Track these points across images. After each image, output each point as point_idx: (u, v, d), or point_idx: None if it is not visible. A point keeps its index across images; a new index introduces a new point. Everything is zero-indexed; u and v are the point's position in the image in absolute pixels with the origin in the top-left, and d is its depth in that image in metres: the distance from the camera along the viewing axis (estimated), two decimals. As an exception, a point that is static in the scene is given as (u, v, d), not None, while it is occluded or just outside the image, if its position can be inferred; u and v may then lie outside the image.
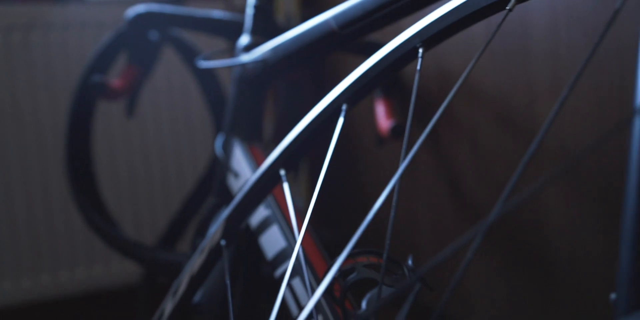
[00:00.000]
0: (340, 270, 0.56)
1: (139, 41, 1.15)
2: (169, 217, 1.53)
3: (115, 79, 1.17)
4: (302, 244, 0.67)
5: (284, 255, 0.67)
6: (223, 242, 0.64)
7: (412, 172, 1.18)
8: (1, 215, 1.47)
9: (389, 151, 1.25)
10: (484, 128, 1.01)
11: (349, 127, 1.36)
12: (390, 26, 0.66)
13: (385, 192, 0.41)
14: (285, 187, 0.60)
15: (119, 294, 1.56)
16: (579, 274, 0.87)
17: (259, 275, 0.79)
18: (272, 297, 0.64)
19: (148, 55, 1.18)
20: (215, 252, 0.65)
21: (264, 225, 0.72)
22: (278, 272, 0.67)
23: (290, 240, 0.67)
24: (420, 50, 0.52)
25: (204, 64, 0.97)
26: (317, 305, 0.58)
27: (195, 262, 0.66)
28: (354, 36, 0.69)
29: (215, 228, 0.65)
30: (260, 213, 0.73)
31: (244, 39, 0.92)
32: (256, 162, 0.83)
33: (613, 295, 0.33)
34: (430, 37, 0.52)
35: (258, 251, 0.72)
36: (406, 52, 0.54)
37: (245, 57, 0.87)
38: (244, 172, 0.83)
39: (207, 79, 1.26)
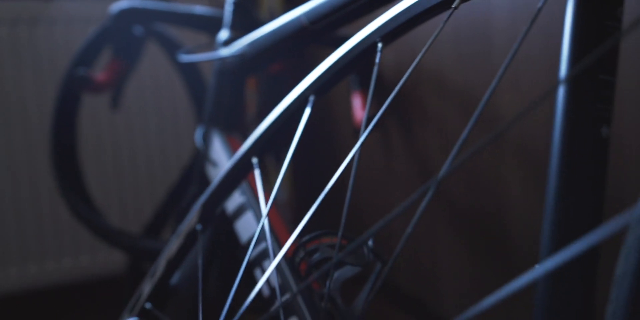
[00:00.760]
0: (305, 251, 0.60)
1: (123, 36, 1.19)
2: (154, 206, 1.56)
3: (99, 72, 1.21)
4: (273, 227, 0.71)
5: (258, 239, 0.71)
6: (199, 227, 0.68)
7: (387, 161, 1.22)
8: (-10, 206, 1.50)
9: (367, 142, 1.29)
10: (451, 118, 1.05)
11: (329, 119, 1.39)
12: (358, 21, 0.70)
13: (340, 169, 0.44)
14: (257, 174, 0.64)
15: (105, 283, 1.60)
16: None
17: (233, 258, 0.83)
18: (245, 278, 0.67)
19: (132, 49, 1.21)
20: (191, 236, 0.69)
21: (239, 211, 0.76)
22: (252, 257, 0.71)
23: (269, 236, 0.71)
24: (379, 45, 0.56)
25: (185, 57, 1.00)
26: (286, 286, 0.61)
27: (173, 246, 0.69)
28: (324, 31, 0.73)
29: (192, 214, 0.69)
30: (236, 200, 0.77)
31: (223, 34, 0.95)
32: (233, 151, 0.87)
33: None
34: (388, 33, 0.55)
35: (233, 236, 0.76)
36: (367, 47, 0.58)
37: (224, 51, 0.91)
38: (222, 161, 0.87)
39: (190, 72, 1.30)
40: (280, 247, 0.64)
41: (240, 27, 0.96)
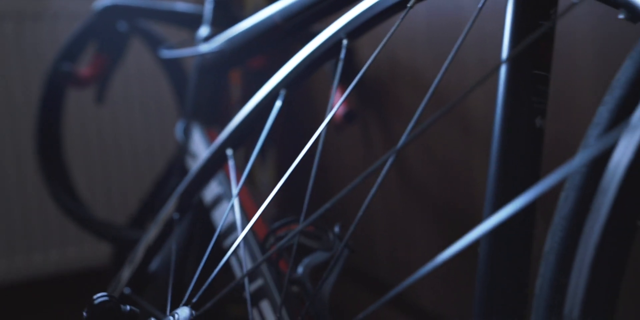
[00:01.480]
0: (275, 238, 0.64)
1: (107, 32, 1.21)
2: (139, 198, 1.59)
3: (84, 67, 1.23)
4: (246, 210, 0.74)
5: (232, 227, 0.74)
6: (176, 216, 0.71)
7: (366, 152, 1.25)
8: (-23, 199, 1.53)
9: (348, 136, 1.32)
10: (425, 111, 1.08)
11: (313, 112, 1.42)
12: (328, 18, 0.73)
13: (302, 154, 0.48)
14: (231, 164, 0.67)
15: (92, 274, 1.62)
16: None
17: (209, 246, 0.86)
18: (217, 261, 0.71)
19: (116, 45, 1.24)
20: (169, 225, 0.72)
21: (216, 201, 0.79)
22: (226, 243, 0.74)
23: (239, 214, 0.74)
24: (345, 42, 0.59)
25: (166, 53, 1.03)
26: (258, 271, 0.65)
27: (151, 234, 0.73)
28: (296, 28, 0.76)
29: (170, 203, 0.72)
30: (213, 190, 0.80)
31: (204, 30, 0.98)
32: (212, 144, 0.90)
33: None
34: (353, 30, 0.59)
35: (210, 224, 0.79)
36: (333, 44, 0.61)
37: (204, 47, 0.94)
38: (201, 153, 0.90)
39: (173, 67, 1.32)
40: (251, 230, 0.68)
41: (220, 23, 0.99)
